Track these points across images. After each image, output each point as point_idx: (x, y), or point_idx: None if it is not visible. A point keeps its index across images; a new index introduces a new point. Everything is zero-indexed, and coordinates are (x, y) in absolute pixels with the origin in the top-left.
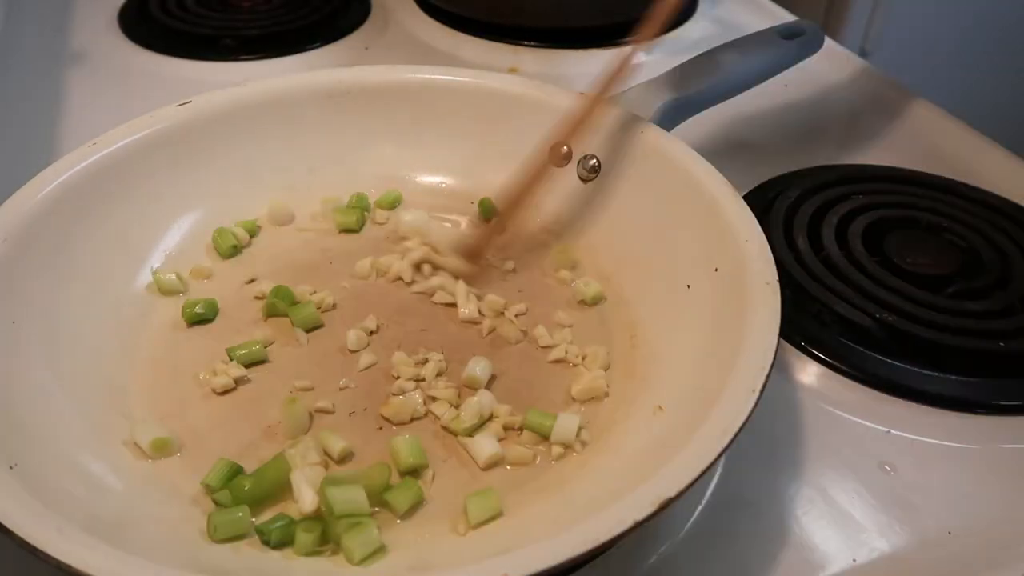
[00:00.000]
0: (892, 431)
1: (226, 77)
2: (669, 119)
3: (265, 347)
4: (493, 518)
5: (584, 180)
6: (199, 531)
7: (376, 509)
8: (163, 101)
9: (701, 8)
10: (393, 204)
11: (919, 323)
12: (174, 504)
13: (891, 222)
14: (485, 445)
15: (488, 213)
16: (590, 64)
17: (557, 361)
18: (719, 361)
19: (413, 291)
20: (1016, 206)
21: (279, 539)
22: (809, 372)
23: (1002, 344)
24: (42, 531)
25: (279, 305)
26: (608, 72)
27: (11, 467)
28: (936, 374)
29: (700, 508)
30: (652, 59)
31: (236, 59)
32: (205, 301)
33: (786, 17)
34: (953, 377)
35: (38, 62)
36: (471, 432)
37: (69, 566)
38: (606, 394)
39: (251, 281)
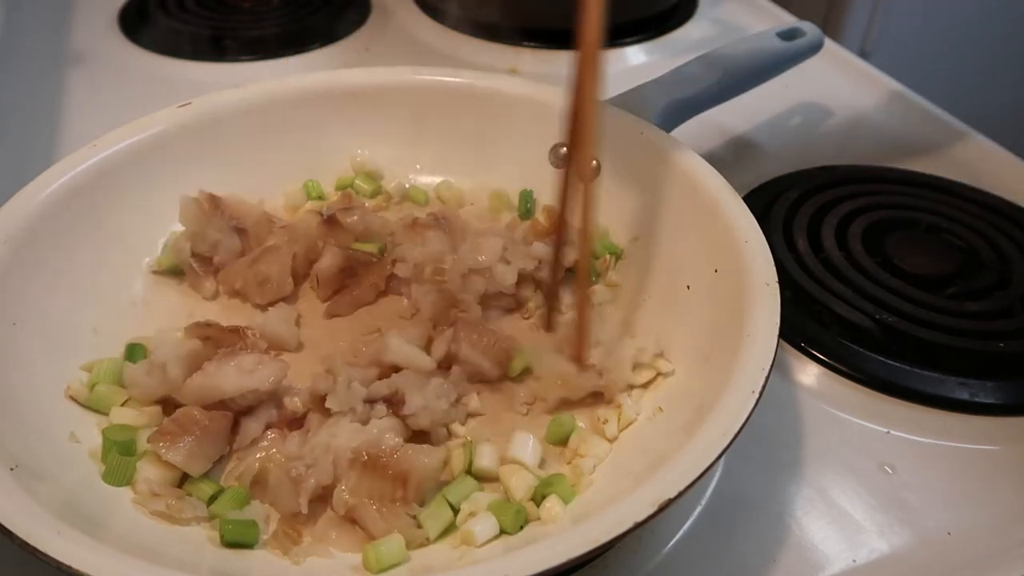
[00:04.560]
0: (892, 431)
1: (226, 78)
2: (669, 120)
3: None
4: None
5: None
6: (200, 532)
7: None
8: (163, 102)
9: (701, 8)
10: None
11: (919, 324)
12: None
13: (891, 223)
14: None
15: (527, 206)
16: None
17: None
18: (719, 362)
19: None
20: (1016, 206)
21: (232, 538)
22: (809, 373)
23: (1002, 345)
24: (42, 532)
25: None
26: None
27: (12, 468)
28: (936, 375)
29: (700, 508)
30: (652, 60)
31: (236, 60)
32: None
33: (786, 18)
34: (953, 378)
35: (38, 62)
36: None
37: (69, 567)
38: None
39: None
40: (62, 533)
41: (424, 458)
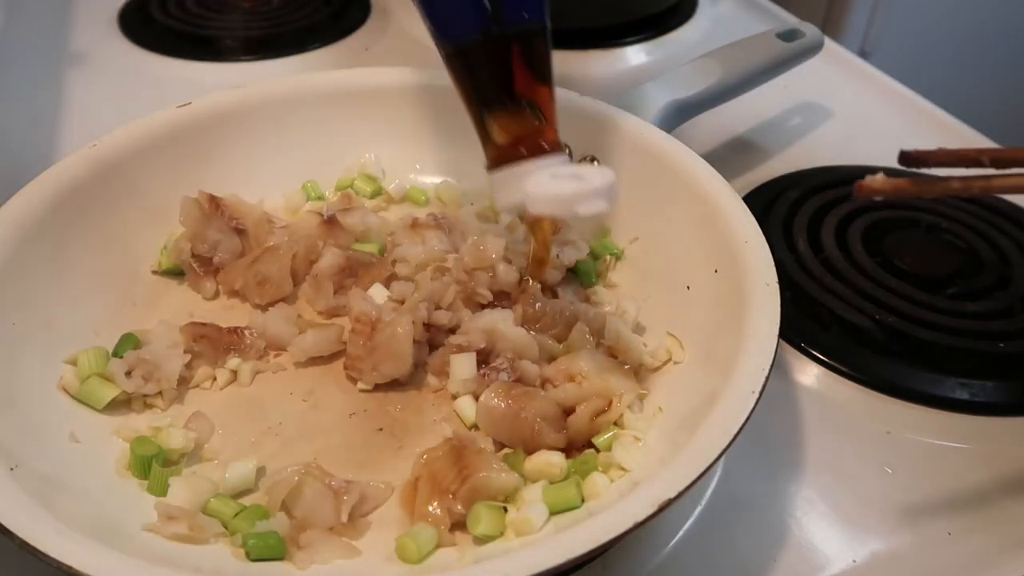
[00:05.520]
0: (892, 432)
1: (226, 78)
2: (670, 120)
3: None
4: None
5: None
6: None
7: None
8: (163, 102)
9: (701, 9)
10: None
11: (919, 324)
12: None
13: (891, 223)
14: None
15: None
16: (590, 65)
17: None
18: (719, 362)
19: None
20: (1016, 207)
21: (259, 553)
22: (809, 373)
23: (1002, 345)
24: (42, 532)
25: None
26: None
27: (11, 468)
28: (936, 375)
29: (700, 508)
30: (653, 60)
31: (236, 60)
32: None
33: (786, 18)
34: (953, 378)
35: (38, 62)
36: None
37: (69, 567)
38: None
39: None
40: (62, 533)
41: (500, 474)
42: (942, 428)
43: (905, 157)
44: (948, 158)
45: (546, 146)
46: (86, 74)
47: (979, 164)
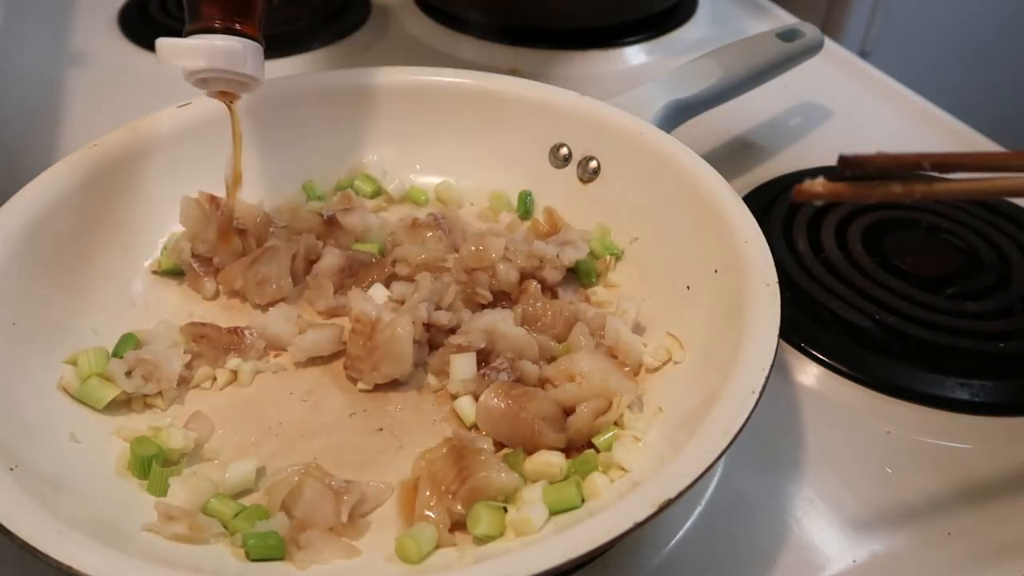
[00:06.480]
0: (892, 432)
1: None
2: (669, 120)
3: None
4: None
5: (584, 181)
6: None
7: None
8: (163, 102)
9: (701, 8)
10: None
11: (919, 324)
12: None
13: (891, 223)
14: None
15: (526, 206)
16: (590, 65)
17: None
18: (719, 362)
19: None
20: (1016, 206)
21: (258, 553)
22: (809, 373)
23: (1002, 345)
24: (42, 533)
25: None
26: None
27: (11, 468)
28: (936, 375)
29: (700, 508)
30: (653, 60)
31: None
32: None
33: (786, 18)
34: (953, 378)
35: (38, 62)
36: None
37: (69, 567)
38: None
39: None
40: (62, 533)
41: (500, 474)
42: (942, 428)
43: (843, 161)
44: (888, 163)
45: (238, 28)
46: (86, 74)
47: (920, 168)
